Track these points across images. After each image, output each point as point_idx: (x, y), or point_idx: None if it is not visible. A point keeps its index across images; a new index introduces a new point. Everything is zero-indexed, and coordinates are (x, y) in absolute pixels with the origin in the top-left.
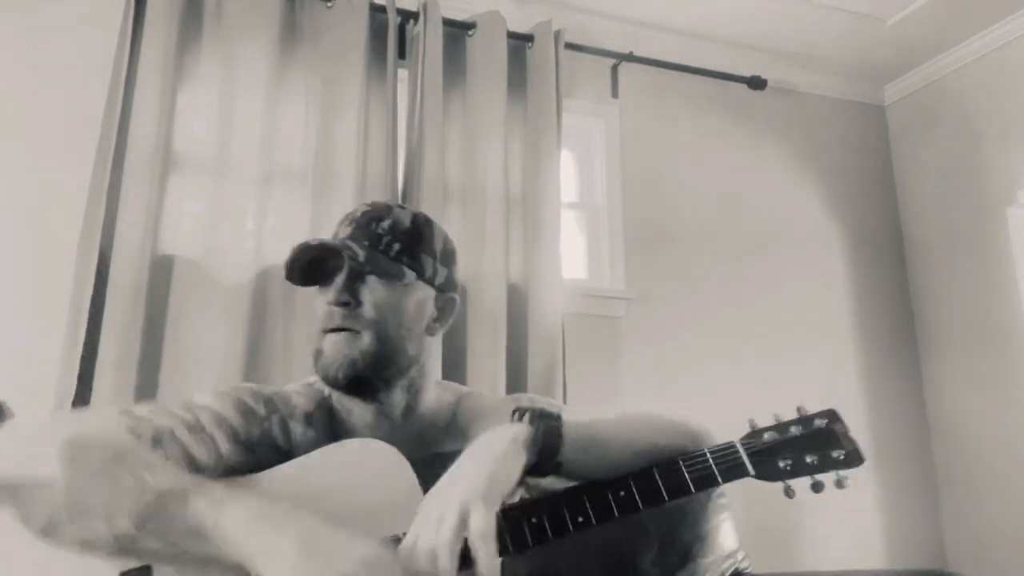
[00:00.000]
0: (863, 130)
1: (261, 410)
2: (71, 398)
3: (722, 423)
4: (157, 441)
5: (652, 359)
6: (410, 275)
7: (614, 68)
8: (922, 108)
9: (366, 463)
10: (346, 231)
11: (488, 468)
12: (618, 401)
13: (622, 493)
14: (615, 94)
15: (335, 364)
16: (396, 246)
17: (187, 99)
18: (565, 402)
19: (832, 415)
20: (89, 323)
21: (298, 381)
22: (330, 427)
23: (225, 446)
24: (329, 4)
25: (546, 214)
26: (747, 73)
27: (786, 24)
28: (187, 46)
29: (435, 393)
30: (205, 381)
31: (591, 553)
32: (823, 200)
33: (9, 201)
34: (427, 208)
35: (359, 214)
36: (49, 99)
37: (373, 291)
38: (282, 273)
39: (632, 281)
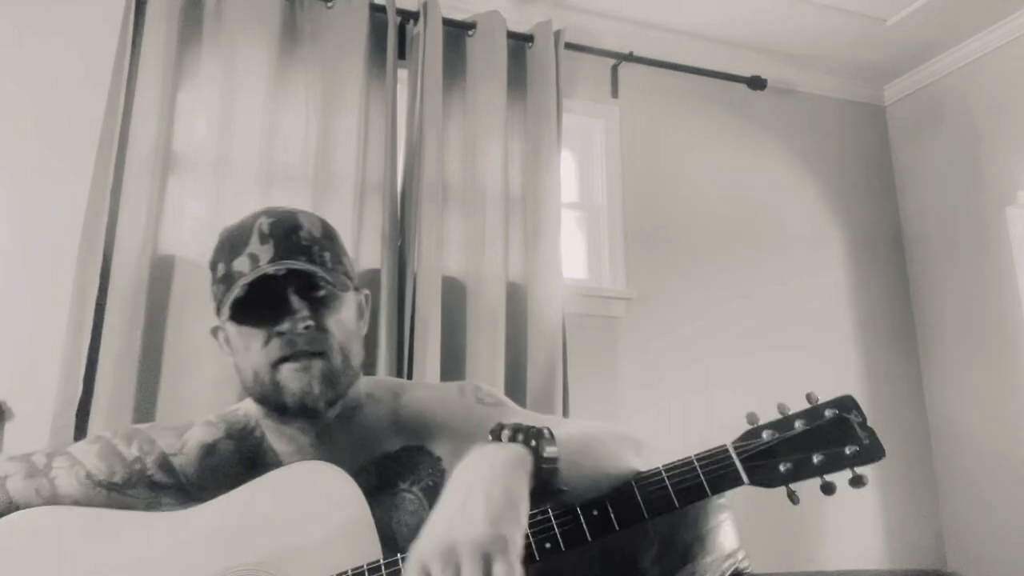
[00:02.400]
0: (863, 130)
1: (132, 452)
2: (77, 399)
3: (722, 422)
4: None
5: (652, 359)
6: (348, 283)
7: (614, 68)
8: (922, 108)
9: (312, 488)
10: (266, 252)
11: (499, 500)
12: (617, 401)
13: (595, 513)
14: (615, 94)
15: (310, 394)
16: (327, 255)
17: (187, 99)
18: (567, 403)
19: (846, 403)
20: (92, 329)
21: (213, 413)
22: (248, 452)
23: (71, 487)
24: (329, 4)
25: (546, 214)
26: (747, 73)
27: (786, 24)
28: (187, 46)
29: (364, 390)
30: (205, 380)
31: (590, 553)
32: (823, 200)
33: (10, 201)
34: (427, 208)
35: (267, 227)
36: (50, 99)
37: (331, 309)
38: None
39: (632, 281)
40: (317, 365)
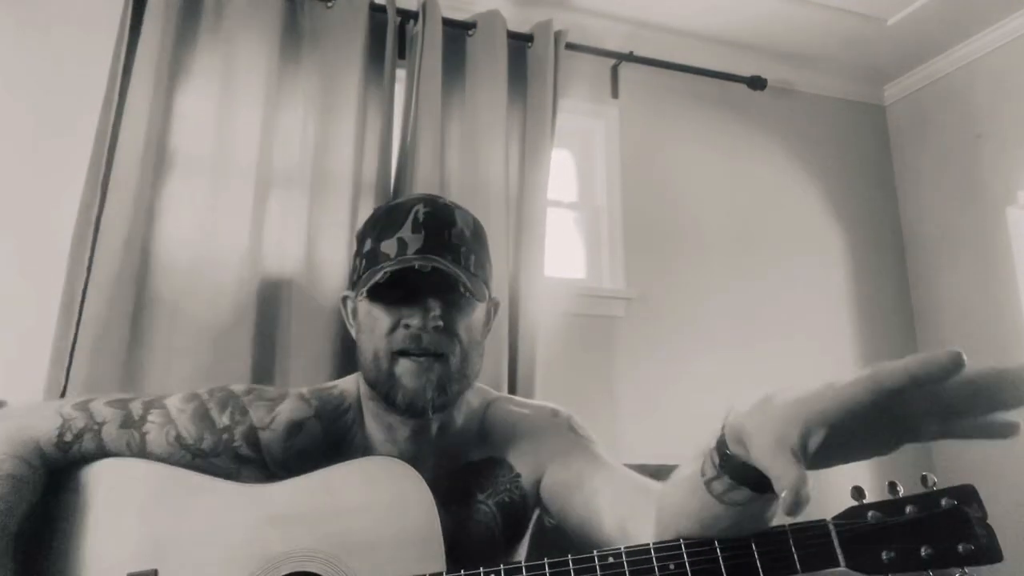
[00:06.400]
0: (863, 130)
1: (223, 420)
2: (60, 390)
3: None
4: (78, 437)
5: (652, 359)
6: (485, 292)
7: (614, 68)
8: (922, 108)
9: (387, 486)
10: (416, 241)
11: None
12: (617, 400)
13: (672, 567)
14: (615, 94)
15: (422, 395)
16: (472, 259)
17: (185, 99)
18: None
19: (968, 493)
20: (76, 321)
21: (320, 384)
22: (335, 434)
23: (159, 446)
24: (329, 4)
25: (534, 212)
26: (747, 73)
27: (786, 24)
28: (185, 46)
29: (466, 399)
30: (197, 379)
31: None
32: (823, 200)
33: (6, 199)
34: None
35: (423, 217)
36: (47, 98)
37: (464, 315)
38: (282, 276)
39: (632, 281)
40: (436, 368)
